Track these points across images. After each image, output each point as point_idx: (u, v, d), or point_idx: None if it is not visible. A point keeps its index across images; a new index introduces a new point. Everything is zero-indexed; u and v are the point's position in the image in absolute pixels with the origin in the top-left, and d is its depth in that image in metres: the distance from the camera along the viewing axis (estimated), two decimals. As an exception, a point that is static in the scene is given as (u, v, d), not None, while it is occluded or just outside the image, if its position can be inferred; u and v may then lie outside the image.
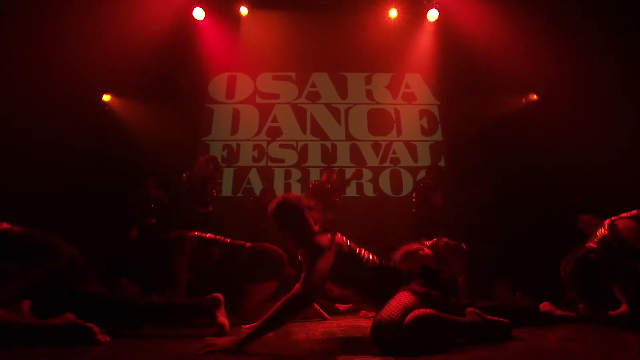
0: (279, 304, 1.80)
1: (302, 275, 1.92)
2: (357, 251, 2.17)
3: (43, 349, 1.81)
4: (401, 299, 1.90)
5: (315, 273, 1.90)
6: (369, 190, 7.21)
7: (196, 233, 3.47)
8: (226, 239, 3.53)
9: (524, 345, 1.92)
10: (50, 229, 2.52)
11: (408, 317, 1.76)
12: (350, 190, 7.16)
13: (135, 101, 7.36)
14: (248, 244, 3.45)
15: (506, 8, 6.74)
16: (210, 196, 5.24)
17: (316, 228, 2.15)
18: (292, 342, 2.09)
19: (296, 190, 7.07)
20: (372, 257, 2.19)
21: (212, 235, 3.52)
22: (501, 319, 2.06)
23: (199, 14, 7.40)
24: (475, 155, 6.94)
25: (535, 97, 7.54)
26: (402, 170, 7.38)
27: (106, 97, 7.34)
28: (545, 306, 2.83)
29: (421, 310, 1.80)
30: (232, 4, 7.63)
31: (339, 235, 2.16)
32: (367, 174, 7.35)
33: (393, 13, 7.58)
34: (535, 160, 6.63)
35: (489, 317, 2.05)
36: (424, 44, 7.83)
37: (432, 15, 7.54)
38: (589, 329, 2.47)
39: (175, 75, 7.35)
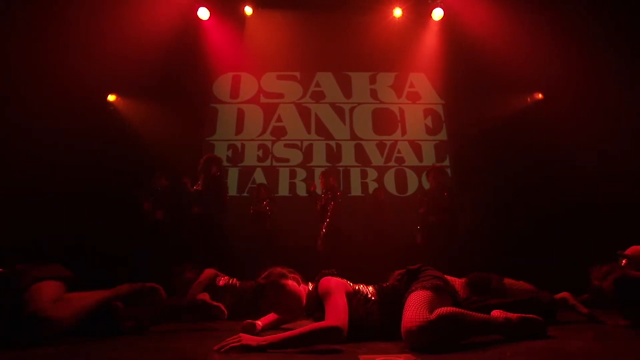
0: (310, 328, 1.77)
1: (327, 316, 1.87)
2: (358, 289, 2.16)
3: (40, 350, 1.81)
4: (419, 298, 1.89)
5: (336, 309, 1.86)
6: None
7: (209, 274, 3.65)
8: (237, 283, 3.68)
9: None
10: (55, 228, 2.55)
11: (434, 314, 1.74)
12: (355, 190, 7.16)
13: (140, 101, 7.38)
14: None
15: (511, 7, 6.70)
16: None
17: (302, 288, 2.20)
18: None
19: (301, 189, 7.06)
20: (370, 289, 2.19)
21: (225, 279, 3.69)
22: (533, 316, 2.02)
23: (203, 13, 7.43)
24: (480, 154, 6.91)
25: (540, 96, 7.48)
26: (407, 169, 7.35)
27: (111, 97, 7.37)
28: (562, 295, 2.76)
29: (446, 308, 1.78)
30: (237, 4, 7.64)
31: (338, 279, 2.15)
32: (372, 174, 7.34)
33: (397, 12, 7.56)
34: (541, 159, 6.58)
35: (518, 315, 2.01)
36: (429, 43, 7.80)
37: (437, 14, 7.50)
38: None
39: (180, 75, 7.35)
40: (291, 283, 2.17)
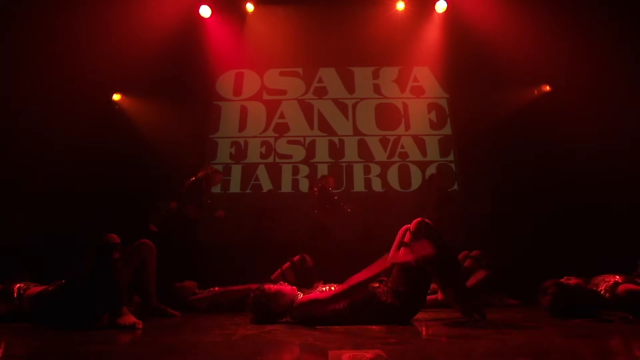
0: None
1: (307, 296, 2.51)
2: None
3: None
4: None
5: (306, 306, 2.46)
6: (377, 186, 7.14)
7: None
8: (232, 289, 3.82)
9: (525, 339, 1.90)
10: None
11: None
12: (358, 186, 7.12)
13: (144, 100, 7.44)
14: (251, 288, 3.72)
15: (515, -2, 6.59)
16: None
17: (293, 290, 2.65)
18: (291, 335, 2.08)
19: (304, 185, 7.05)
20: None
21: (218, 289, 3.85)
22: None
23: (205, 11, 7.45)
24: (485, 149, 6.82)
25: (547, 88, 7.32)
26: (410, 165, 7.28)
27: (116, 97, 7.44)
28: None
29: None
30: (238, 1, 7.64)
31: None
32: (376, 169, 7.29)
33: (400, 5, 7.49)
34: (547, 153, 6.48)
35: None
36: (432, 36, 7.70)
37: (440, 6, 7.41)
38: (598, 325, 2.38)
39: (183, 73, 7.37)
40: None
